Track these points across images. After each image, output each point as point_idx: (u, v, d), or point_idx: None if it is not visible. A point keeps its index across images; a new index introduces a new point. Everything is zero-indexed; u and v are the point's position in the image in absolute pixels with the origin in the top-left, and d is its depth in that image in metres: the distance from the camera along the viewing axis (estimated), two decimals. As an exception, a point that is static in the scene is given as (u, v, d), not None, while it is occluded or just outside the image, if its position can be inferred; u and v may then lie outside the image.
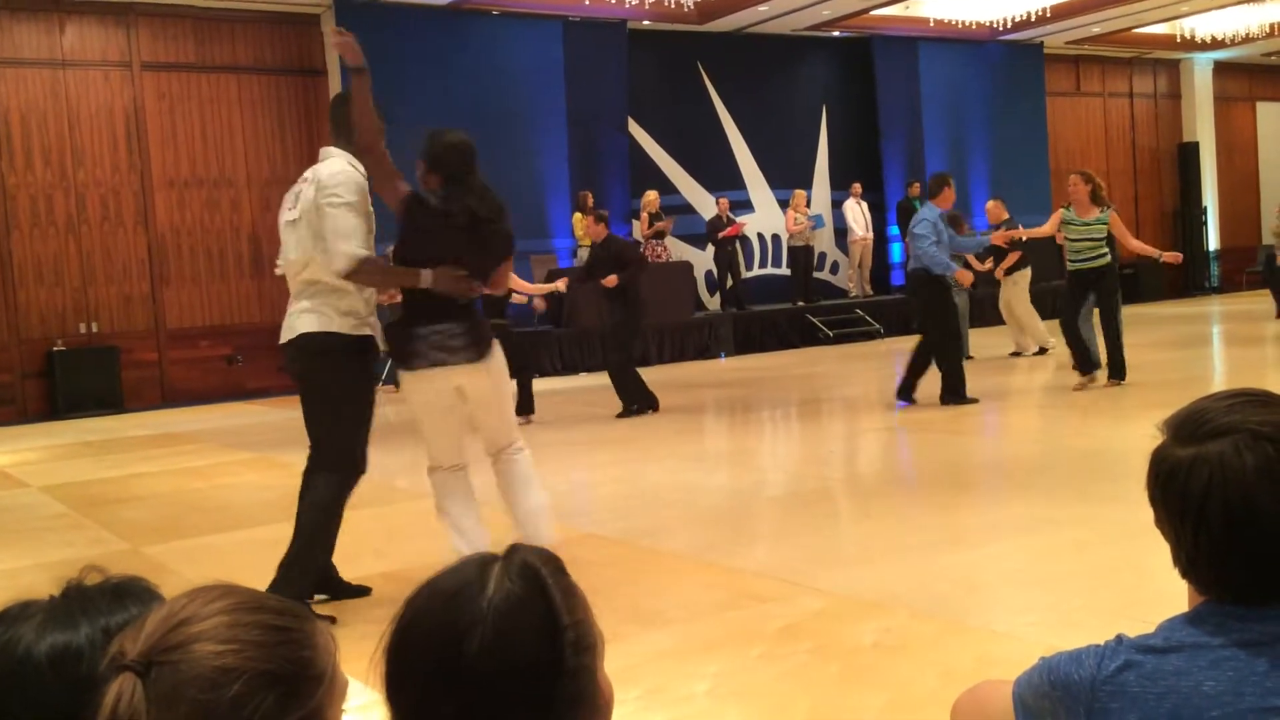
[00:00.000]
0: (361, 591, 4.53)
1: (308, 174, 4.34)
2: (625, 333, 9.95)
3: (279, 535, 6.01)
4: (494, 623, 1.04)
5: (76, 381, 12.95)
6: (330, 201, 4.13)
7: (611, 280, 9.67)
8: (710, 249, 16.51)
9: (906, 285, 9.42)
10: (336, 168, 4.23)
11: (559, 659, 1.05)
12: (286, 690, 1.00)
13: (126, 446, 10.11)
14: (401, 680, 1.07)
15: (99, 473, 8.61)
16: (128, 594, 1.17)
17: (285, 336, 4.30)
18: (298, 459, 8.58)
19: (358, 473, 4.36)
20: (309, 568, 4.29)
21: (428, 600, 1.08)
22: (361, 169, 4.27)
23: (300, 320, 4.26)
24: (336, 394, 4.30)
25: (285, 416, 11.75)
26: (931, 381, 9.02)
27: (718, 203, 16.33)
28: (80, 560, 5.00)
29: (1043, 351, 12.34)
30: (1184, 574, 1.34)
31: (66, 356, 13.01)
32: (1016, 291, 12.41)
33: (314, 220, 4.19)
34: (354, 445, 4.33)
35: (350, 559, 5.29)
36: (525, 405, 9.66)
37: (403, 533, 5.96)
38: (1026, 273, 12.38)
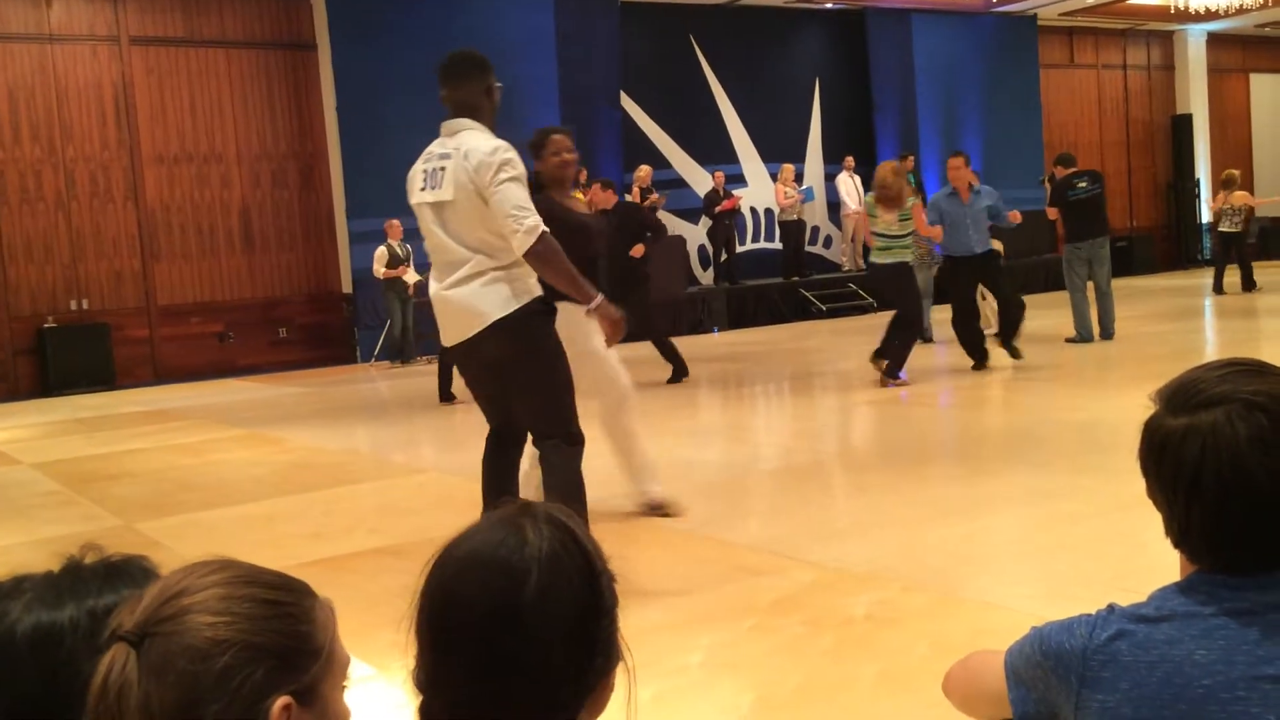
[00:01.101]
0: None
1: (444, 149, 4.00)
2: (646, 303, 9.73)
3: (271, 511, 6.04)
4: (544, 571, 1.08)
5: (68, 358, 12.91)
6: (504, 174, 3.86)
7: (639, 250, 9.44)
8: (703, 223, 16.47)
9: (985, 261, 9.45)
10: (490, 140, 3.95)
11: (600, 600, 1.11)
12: (277, 663, 1.00)
13: (118, 423, 10.10)
14: (451, 637, 1.09)
15: (91, 449, 8.60)
16: (121, 575, 1.17)
17: (474, 328, 3.96)
18: (289, 435, 8.62)
19: (581, 436, 4.14)
20: None
21: (469, 559, 1.10)
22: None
23: (487, 301, 3.95)
24: (550, 358, 4.08)
25: (277, 393, 11.74)
26: (921, 355, 9.04)
27: (714, 176, 16.28)
28: (73, 537, 4.99)
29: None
30: (1176, 544, 1.34)
31: (57, 333, 12.97)
32: None
33: (474, 197, 3.89)
34: (573, 406, 4.12)
35: (345, 534, 5.31)
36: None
37: (397, 508, 5.96)
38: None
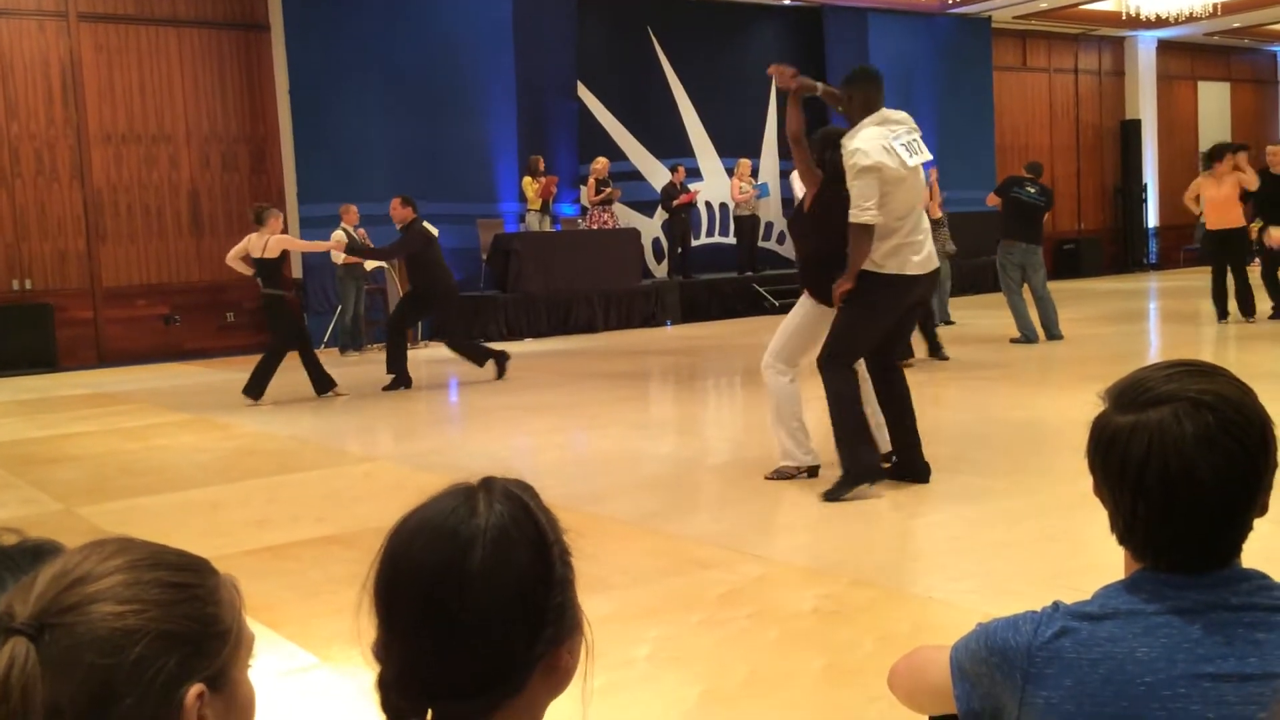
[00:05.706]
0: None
1: (901, 121, 5.23)
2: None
3: (215, 498, 5.96)
4: (491, 540, 1.09)
5: (9, 339, 12.66)
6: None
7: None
8: (658, 216, 16.47)
9: None
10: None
11: (549, 570, 1.12)
12: (190, 650, 0.95)
13: (60, 406, 9.93)
14: (399, 604, 1.10)
15: (31, 432, 8.45)
16: (47, 556, 1.13)
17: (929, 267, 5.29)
18: (234, 420, 8.54)
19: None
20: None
21: (419, 527, 1.12)
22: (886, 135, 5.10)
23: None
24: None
25: (223, 378, 11.59)
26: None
27: (675, 171, 16.29)
28: (11, 520, 4.90)
29: None
30: (1121, 540, 1.35)
31: (-2, 313, 12.73)
32: None
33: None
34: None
35: (290, 522, 5.25)
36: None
37: (343, 496, 5.91)
38: None
